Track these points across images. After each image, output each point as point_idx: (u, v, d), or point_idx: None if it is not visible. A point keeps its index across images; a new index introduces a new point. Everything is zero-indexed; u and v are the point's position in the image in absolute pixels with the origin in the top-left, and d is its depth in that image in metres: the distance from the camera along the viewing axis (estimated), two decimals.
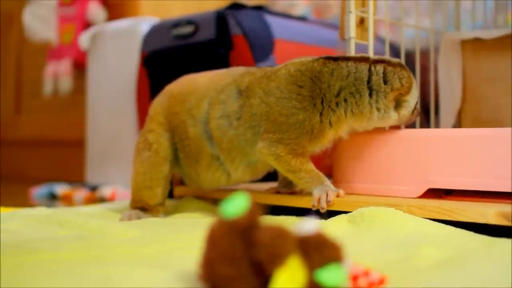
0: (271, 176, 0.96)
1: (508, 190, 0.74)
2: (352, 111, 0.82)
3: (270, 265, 0.43)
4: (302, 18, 1.30)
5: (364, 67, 0.82)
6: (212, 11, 1.17)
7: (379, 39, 1.29)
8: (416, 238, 0.66)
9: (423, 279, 0.51)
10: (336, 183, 0.90)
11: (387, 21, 1.00)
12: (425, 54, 1.23)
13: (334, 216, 0.78)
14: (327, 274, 0.43)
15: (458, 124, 1.08)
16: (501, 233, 0.66)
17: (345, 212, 0.78)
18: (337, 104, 0.82)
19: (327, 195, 0.80)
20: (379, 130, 0.87)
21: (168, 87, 0.98)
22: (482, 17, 1.21)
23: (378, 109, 0.82)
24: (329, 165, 0.96)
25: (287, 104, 0.83)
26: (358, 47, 0.92)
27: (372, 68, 0.82)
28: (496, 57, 1.03)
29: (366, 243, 0.66)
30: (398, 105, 0.83)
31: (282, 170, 0.85)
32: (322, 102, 0.82)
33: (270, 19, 1.16)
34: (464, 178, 0.78)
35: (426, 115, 1.23)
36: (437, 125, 1.15)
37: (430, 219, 0.72)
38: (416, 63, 1.06)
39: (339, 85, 0.82)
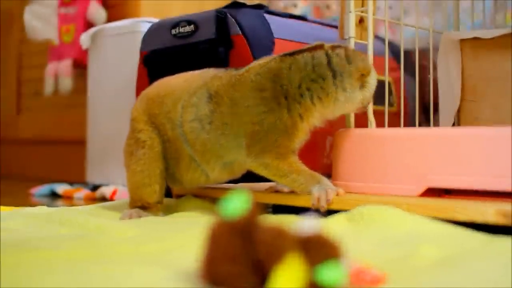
0: None
1: (507, 189, 0.74)
2: (318, 96, 0.83)
3: (270, 263, 0.43)
4: (301, 18, 1.30)
5: (321, 53, 0.84)
6: (211, 11, 1.17)
7: (378, 39, 1.29)
8: (415, 237, 0.66)
9: (422, 278, 0.51)
10: (335, 181, 0.91)
11: (387, 21, 1.00)
12: (424, 53, 1.24)
13: (333, 214, 0.78)
14: (326, 272, 0.43)
15: (457, 123, 1.08)
16: (501, 232, 0.66)
17: (345, 211, 0.78)
18: (301, 95, 0.83)
19: (326, 194, 0.81)
20: (379, 129, 0.87)
21: (144, 92, 0.99)
22: (481, 16, 1.21)
23: (343, 89, 0.83)
24: (328, 164, 0.96)
25: (255, 111, 0.83)
26: (358, 47, 0.93)
27: (330, 52, 0.83)
28: (495, 56, 1.03)
29: (365, 242, 0.66)
30: (361, 86, 0.84)
31: (275, 178, 0.85)
32: (286, 98, 0.83)
33: (270, 19, 1.16)
34: (464, 176, 0.78)
35: (426, 114, 1.23)
36: (436, 124, 1.15)
37: (430, 217, 0.73)
38: (415, 62, 1.06)
39: (299, 77, 0.83)
